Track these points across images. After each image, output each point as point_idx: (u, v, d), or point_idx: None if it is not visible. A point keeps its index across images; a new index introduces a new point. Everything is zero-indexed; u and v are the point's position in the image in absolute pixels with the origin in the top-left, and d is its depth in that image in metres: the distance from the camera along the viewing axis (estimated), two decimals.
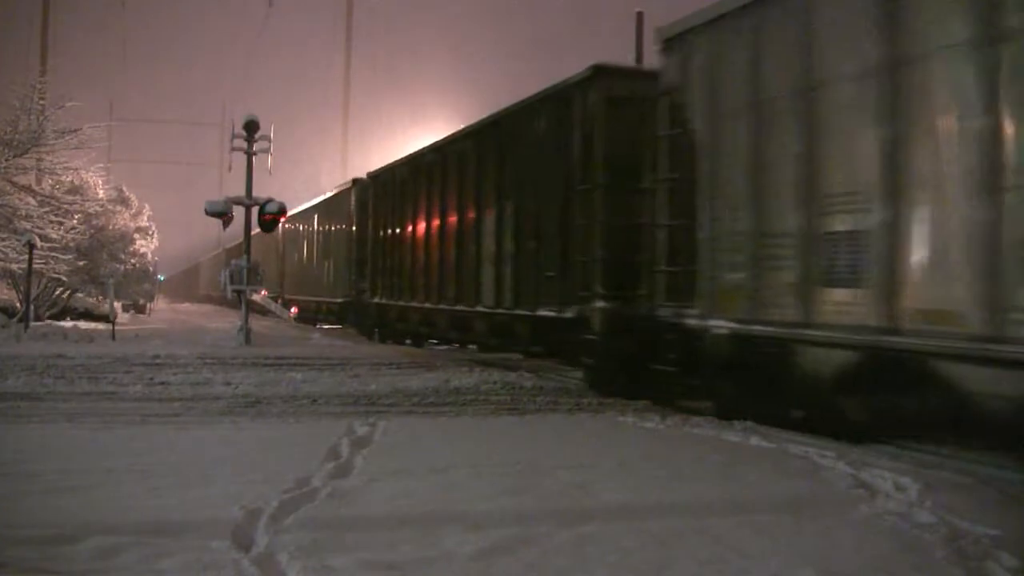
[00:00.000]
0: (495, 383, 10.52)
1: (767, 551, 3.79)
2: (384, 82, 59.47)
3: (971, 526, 4.16)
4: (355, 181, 21.18)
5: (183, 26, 72.73)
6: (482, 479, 5.04)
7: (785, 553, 3.76)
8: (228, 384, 10.01)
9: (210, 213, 17.34)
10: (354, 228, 20.89)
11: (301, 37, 66.37)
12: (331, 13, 58.30)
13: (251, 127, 17.34)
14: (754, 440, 6.57)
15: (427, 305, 15.31)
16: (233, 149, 17.58)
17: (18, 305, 21.70)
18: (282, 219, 18.88)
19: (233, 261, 18.88)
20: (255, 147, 17.34)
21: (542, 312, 10.86)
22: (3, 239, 19.74)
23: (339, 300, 22.29)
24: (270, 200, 17.34)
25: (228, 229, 19.29)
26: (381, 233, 18.43)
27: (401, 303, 16.87)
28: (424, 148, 16.14)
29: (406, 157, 17.15)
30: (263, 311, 30.65)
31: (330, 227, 24.03)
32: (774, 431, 6.96)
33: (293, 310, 28.77)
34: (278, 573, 3.47)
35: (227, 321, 25.53)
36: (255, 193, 17.42)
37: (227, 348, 15.63)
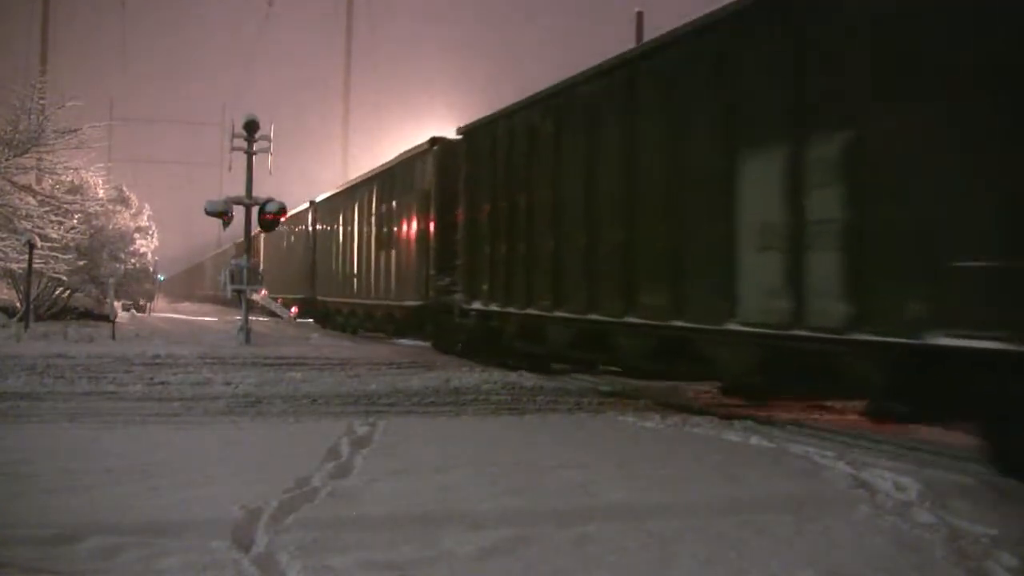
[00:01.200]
0: (495, 383, 10.51)
1: (767, 551, 3.79)
2: (384, 81, 59.47)
3: (971, 526, 4.16)
4: (435, 141, 15.55)
5: (183, 26, 72.70)
6: (482, 479, 5.04)
7: (785, 553, 3.76)
8: (228, 384, 10.01)
9: (210, 213, 17.35)
10: (433, 207, 15.32)
11: (301, 37, 66.38)
12: (331, 13, 58.30)
13: (251, 127, 17.36)
14: (754, 440, 6.57)
15: (593, 317, 9.61)
16: (233, 149, 17.60)
17: (18, 305, 21.71)
18: (282, 216, 17.99)
19: (233, 261, 18.87)
20: (255, 147, 17.36)
21: (940, 339, 5.54)
22: (3, 239, 19.75)
23: (408, 304, 16.53)
24: (270, 200, 17.35)
25: (236, 226, 18.83)
26: (487, 210, 12.64)
27: (531, 312, 11.08)
28: (575, 77, 10.40)
29: (537, 96, 11.38)
30: (271, 312, 30.02)
31: (392, 207, 18.00)
32: (774, 431, 6.96)
33: (293, 310, 28.64)
34: (278, 573, 3.47)
35: (227, 321, 25.53)
36: (255, 193, 17.44)
37: (227, 348, 15.62)
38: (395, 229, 17.72)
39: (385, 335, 19.44)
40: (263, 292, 28.80)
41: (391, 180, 18.25)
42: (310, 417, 7.73)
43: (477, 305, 12.87)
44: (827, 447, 6.18)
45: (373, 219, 19.39)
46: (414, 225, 16.47)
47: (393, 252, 17.75)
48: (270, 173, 17.92)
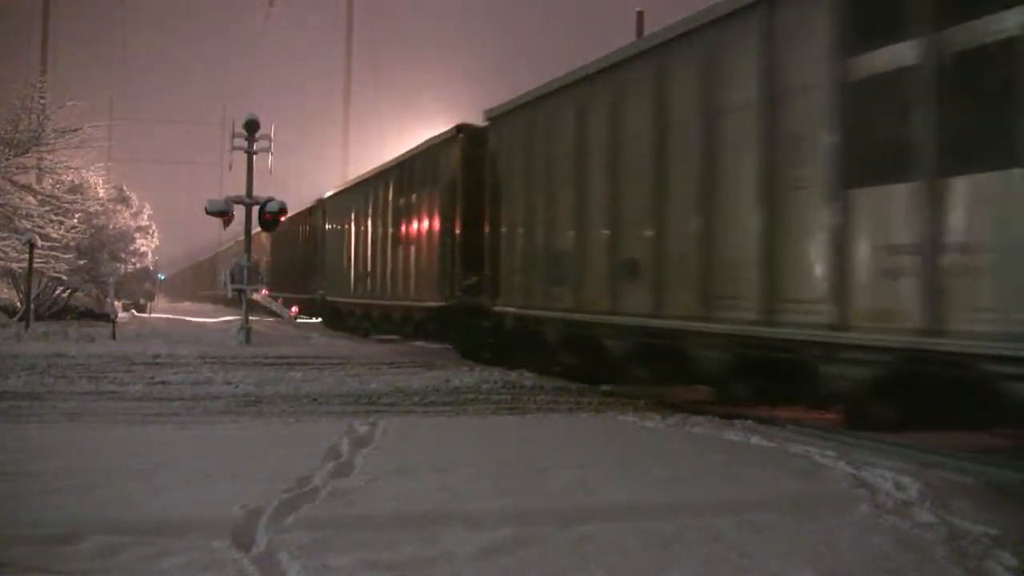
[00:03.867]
0: (495, 382, 10.50)
1: (767, 551, 3.78)
2: (385, 81, 59.45)
3: (971, 526, 4.16)
4: None
5: (183, 25, 72.76)
6: (482, 478, 5.03)
7: (785, 553, 3.76)
8: (228, 383, 10.00)
9: (210, 212, 17.35)
10: None
11: (301, 37, 66.37)
12: (331, 13, 58.28)
13: (251, 126, 17.36)
14: (754, 439, 6.57)
15: None
16: (233, 148, 17.60)
17: (19, 304, 21.72)
18: (282, 215, 17.42)
19: (233, 260, 18.86)
20: (255, 146, 17.36)
21: None
22: (4, 238, 19.78)
23: None
24: (271, 199, 17.34)
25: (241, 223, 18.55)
26: None
27: None
28: None
29: None
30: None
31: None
32: (774, 430, 6.96)
33: (294, 309, 28.67)
34: (278, 573, 3.47)
35: (228, 321, 25.52)
36: (256, 192, 17.43)
37: (227, 347, 15.63)
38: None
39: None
40: (311, 318, 27.82)
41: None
42: (310, 417, 7.72)
43: None
44: (827, 447, 6.17)
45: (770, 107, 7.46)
46: None
47: None
48: (270, 172, 17.91)
